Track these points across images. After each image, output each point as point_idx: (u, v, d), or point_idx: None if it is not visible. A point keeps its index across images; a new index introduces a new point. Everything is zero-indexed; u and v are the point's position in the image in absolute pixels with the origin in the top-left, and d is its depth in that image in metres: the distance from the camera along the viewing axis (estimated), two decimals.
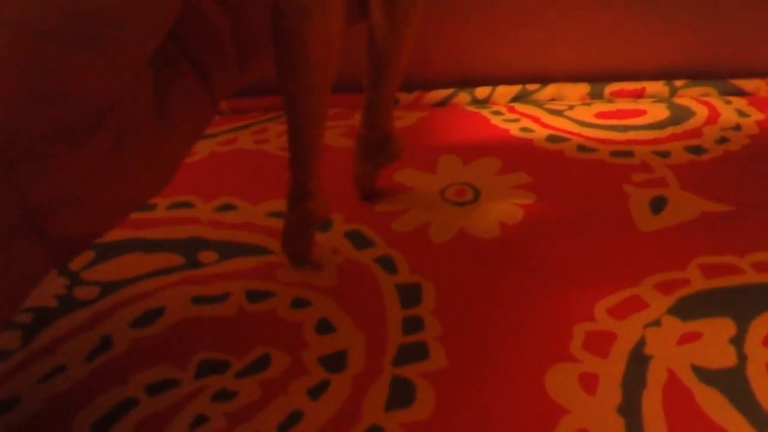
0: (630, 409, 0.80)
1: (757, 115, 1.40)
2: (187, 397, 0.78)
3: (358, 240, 1.13)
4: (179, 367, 0.82)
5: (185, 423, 0.74)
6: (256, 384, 0.80)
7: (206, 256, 1.07)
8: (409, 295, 0.98)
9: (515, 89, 1.61)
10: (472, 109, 1.58)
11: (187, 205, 1.22)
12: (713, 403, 0.80)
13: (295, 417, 0.76)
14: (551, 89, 1.60)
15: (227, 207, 1.23)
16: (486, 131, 1.41)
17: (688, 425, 0.76)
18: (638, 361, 0.86)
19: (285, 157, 1.37)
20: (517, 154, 1.30)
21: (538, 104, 1.55)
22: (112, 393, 0.79)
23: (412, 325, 0.92)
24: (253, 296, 0.96)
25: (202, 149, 1.40)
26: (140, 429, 0.75)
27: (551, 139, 1.37)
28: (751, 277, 0.96)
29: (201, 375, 0.81)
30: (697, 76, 1.61)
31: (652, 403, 0.80)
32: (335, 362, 0.84)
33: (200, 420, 0.75)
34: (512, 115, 1.50)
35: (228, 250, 1.09)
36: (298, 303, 0.97)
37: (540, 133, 1.40)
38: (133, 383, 0.80)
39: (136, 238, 1.11)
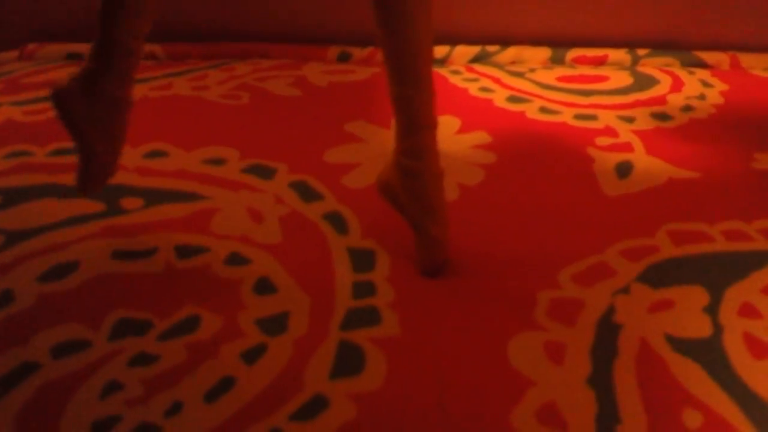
0: (601, 380, 0.72)
1: (721, 86, 1.36)
2: (99, 361, 0.66)
3: (305, 191, 1.01)
4: (91, 327, 0.70)
5: (95, 390, 0.63)
6: (181, 347, 0.68)
7: (130, 202, 0.93)
8: (362, 260, 0.88)
9: (474, 50, 1.53)
10: None
11: None
12: (689, 373, 0.73)
13: (226, 384, 0.65)
14: (511, 52, 1.53)
15: (157, 153, 1.10)
16: (444, 90, 1.32)
17: (664, 397, 0.70)
18: (608, 330, 0.79)
19: (227, 105, 1.26)
20: (476, 114, 1.22)
21: (498, 66, 1.48)
22: (10, 354, 0.66)
23: (364, 289, 0.82)
24: (184, 251, 0.85)
25: (133, 93, 1.28)
26: (41, 396, 0.63)
27: (512, 99, 1.29)
28: (722, 245, 0.91)
29: (117, 336, 0.69)
30: (659, 46, 1.57)
31: (624, 373, 0.72)
32: (275, 325, 0.74)
33: (113, 386, 0.63)
34: (471, 74, 1.42)
35: (155, 196, 0.96)
36: (236, 260, 0.86)
37: (500, 93, 1.32)
38: (35, 344, 0.68)
39: (50, 183, 0.97)
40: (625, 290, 0.82)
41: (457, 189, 1.00)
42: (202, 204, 0.95)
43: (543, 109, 1.25)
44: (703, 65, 1.47)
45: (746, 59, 1.48)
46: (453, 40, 1.55)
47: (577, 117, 1.22)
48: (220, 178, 1.00)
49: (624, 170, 1.06)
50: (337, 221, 0.92)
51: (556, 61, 1.50)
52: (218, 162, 1.05)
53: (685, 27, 1.55)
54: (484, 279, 0.83)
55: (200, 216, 0.92)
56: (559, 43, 1.56)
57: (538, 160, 1.08)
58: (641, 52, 1.51)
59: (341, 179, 1.02)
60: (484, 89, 1.33)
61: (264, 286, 0.79)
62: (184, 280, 0.80)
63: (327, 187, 0.99)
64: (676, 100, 1.30)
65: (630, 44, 1.56)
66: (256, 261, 0.84)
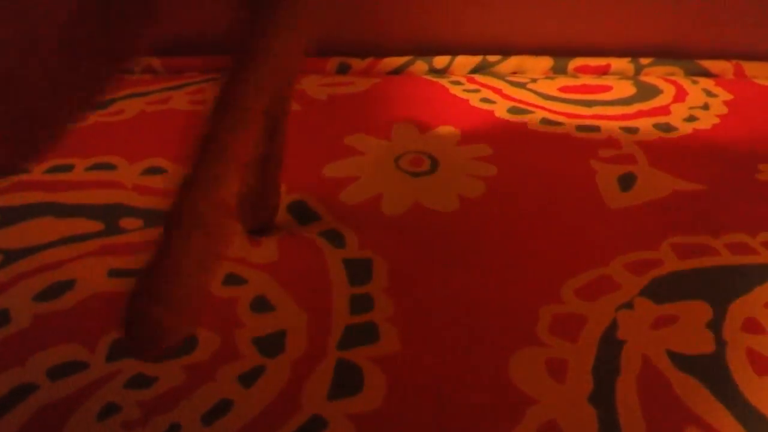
0: (602, 399, 0.71)
1: (725, 96, 1.35)
2: (96, 383, 0.65)
3: (302, 213, 1.00)
4: (88, 348, 0.70)
5: (92, 412, 0.63)
6: (178, 368, 0.68)
7: (129, 222, 0.94)
8: (359, 271, 0.88)
9: (475, 60, 1.52)
10: (430, 78, 1.48)
11: (109, 166, 1.08)
12: (691, 391, 0.71)
13: (223, 407, 0.64)
14: (513, 62, 1.52)
15: (155, 170, 1.08)
16: (444, 101, 1.32)
17: (666, 416, 0.69)
18: (610, 346, 0.78)
19: None
20: (477, 125, 1.22)
21: (499, 76, 1.48)
22: (6, 376, 0.65)
23: (361, 304, 0.82)
24: None
25: (129, 108, 1.27)
26: (38, 419, 0.63)
27: (513, 111, 1.27)
28: (726, 259, 0.90)
29: (114, 357, 0.68)
30: (662, 54, 1.56)
31: (626, 391, 0.71)
32: (272, 344, 0.73)
33: (110, 409, 0.63)
34: (472, 85, 1.41)
35: (154, 217, 0.94)
36: (232, 280, 0.84)
37: (501, 104, 1.31)
38: (32, 365, 0.67)
39: (48, 201, 0.96)
40: (629, 305, 0.81)
41: (458, 201, 0.99)
42: None
43: (545, 121, 1.24)
44: (706, 74, 1.46)
45: (750, 68, 1.46)
46: (453, 50, 1.55)
47: (580, 128, 1.21)
48: None
49: (627, 182, 1.05)
50: (333, 237, 0.92)
51: (558, 70, 1.49)
52: None
53: (688, 35, 1.54)
54: (485, 293, 0.82)
55: None
56: (561, 52, 1.56)
57: (539, 172, 1.07)
58: (644, 61, 1.50)
59: (339, 195, 1.01)
60: (484, 100, 1.32)
61: (261, 305, 0.79)
62: None
63: (324, 206, 0.99)
64: (680, 110, 1.29)
65: (633, 53, 1.55)
66: (253, 280, 0.84)
